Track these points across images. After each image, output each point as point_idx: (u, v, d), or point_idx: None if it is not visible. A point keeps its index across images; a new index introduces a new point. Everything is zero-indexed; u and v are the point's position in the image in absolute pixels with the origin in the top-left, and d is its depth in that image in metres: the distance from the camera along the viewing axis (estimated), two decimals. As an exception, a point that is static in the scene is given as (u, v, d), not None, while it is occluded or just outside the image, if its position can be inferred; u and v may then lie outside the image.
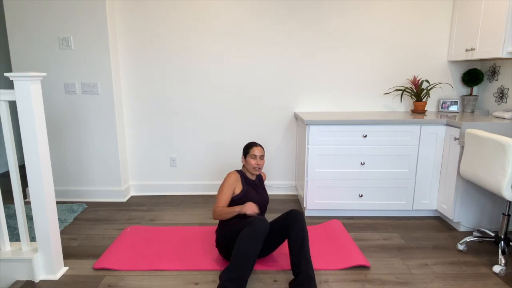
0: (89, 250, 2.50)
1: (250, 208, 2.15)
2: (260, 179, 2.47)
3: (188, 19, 3.30)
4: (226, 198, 2.24)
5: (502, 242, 2.30)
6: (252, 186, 2.36)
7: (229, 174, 2.31)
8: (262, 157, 2.35)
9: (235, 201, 2.27)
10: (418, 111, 3.25)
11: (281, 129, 3.54)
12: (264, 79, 3.43)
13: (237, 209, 2.17)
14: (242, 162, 2.41)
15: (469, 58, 2.99)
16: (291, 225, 2.11)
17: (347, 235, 2.63)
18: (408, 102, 3.48)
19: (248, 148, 2.35)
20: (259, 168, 2.34)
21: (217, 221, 2.99)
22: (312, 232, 2.73)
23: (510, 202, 2.30)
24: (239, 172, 2.36)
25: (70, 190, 3.48)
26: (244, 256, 1.92)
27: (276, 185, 3.66)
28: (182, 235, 2.70)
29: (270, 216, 3.06)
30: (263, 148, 2.38)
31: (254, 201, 2.29)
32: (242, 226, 2.11)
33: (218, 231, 2.28)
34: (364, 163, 2.94)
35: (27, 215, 3.04)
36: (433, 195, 2.98)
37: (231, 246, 2.15)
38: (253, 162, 2.32)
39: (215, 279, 2.13)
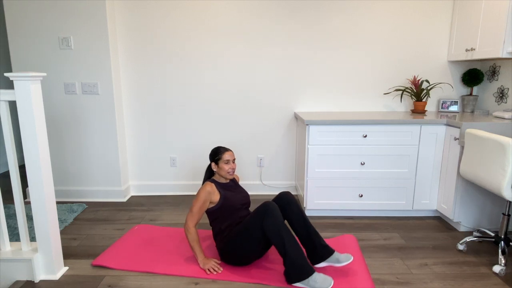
0: (89, 250, 2.50)
1: (209, 266, 2.19)
2: (233, 180, 2.45)
3: (188, 19, 3.31)
4: (199, 211, 2.21)
5: (502, 242, 2.30)
6: (229, 189, 2.33)
7: (203, 186, 2.24)
8: (234, 160, 2.33)
9: (216, 210, 2.24)
10: (418, 111, 3.25)
11: (281, 129, 3.54)
12: (264, 79, 3.43)
13: (198, 257, 2.23)
14: (214, 168, 2.33)
15: (469, 58, 2.99)
16: (288, 207, 2.18)
17: (359, 254, 2.39)
18: (408, 102, 3.48)
19: (218, 154, 2.30)
20: (233, 172, 2.31)
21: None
22: None
23: (510, 202, 2.30)
24: (212, 181, 2.31)
25: (70, 190, 3.48)
26: (288, 244, 1.99)
27: (276, 185, 3.66)
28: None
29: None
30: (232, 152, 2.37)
31: (235, 202, 2.28)
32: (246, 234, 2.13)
33: (224, 243, 2.21)
34: (364, 163, 2.94)
35: (27, 215, 3.04)
36: (433, 195, 2.98)
37: (241, 252, 2.17)
38: (227, 167, 2.28)
39: (215, 279, 2.13)
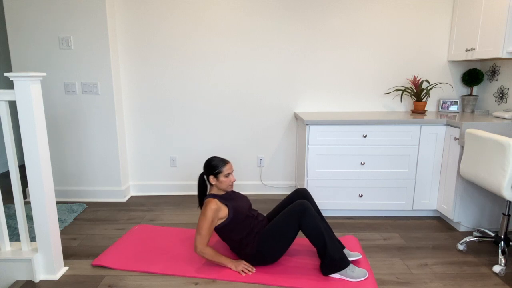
0: (89, 250, 2.50)
1: (241, 267, 2.15)
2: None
3: (188, 19, 3.30)
4: (209, 232, 2.11)
5: (502, 242, 2.30)
6: (233, 198, 2.26)
7: (208, 205, 2.12)
8: (232, 172, 2.26)
9: (227, 225, 2.16)
10: (418, 111, 3.25)
11: (281, 129, 3.54)
12: (264, 79, 3.43)
13: (228, 264, 2.17)
14: (212, 182, 2.21)
15: (469, 58, 2.99)
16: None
17: (362, 256, 2.37)
18: (408, 102, 3.48)
19: (218, 167, 2.19)
20: (232, 187, 2.25)
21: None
22: None
23: (510, 202, 2.30)
24: (213, 196, 2.19)
25: (70, 190, 3.48)
26: (328, 241, 2.05)
27: (276, 185, 3.66)
28: (187, 236, 2.69)
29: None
30: None
31: (244, 209, 2.24)
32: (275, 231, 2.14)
33: (255, 248, 2.16)
34: (364, 163, 2.94)
35: (27, 215, 3.04)
36: (433, 195, 2.98)
37: (272, 251, 2.16)
38: (228, 181, 2.20)
39: (215, 279, 2.13)
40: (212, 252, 2.16)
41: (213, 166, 2.20)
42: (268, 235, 2.14)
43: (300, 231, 2.20)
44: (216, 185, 2.23)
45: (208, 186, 2.31)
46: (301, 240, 2.59)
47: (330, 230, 2.24)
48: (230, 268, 2.18)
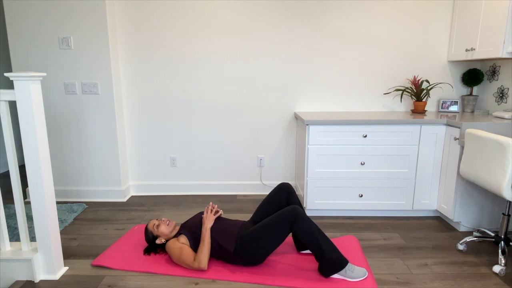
0: (89, 250, 2.50)
1: (210, 220, 2.23)
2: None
3: (188, 19, 3.30)
4: (191, 251, 2.21)
5: (502, 242, 2.30)
6: (181, 229, 2.34)
7: (170, 245, 2.25)
8: (158, 219, 2.40)
9: (195, 245, 2.26)
10: (418, 111, 3.25)
11: (281, 129, 3.54)
12: (265, 79, 3.43)
13: (207, 230, 2.20)
14: (162, 241, 2.35)
15: (469, 58, 2.99)
16: (290, 196, 2.37)
17: (362, 256, 2.37)
18: (408, 102, 3.48)
19: (149, 233, 2.36)
20: (169, 220, 2.38)
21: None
22: None
23: (510, 202, 2.30)
24: (171, 238, 2.35)
25: (70, 190, 3.48)
26: (323, 243, 2.05)
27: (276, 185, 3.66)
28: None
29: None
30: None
31: (195, 222, 2.32)
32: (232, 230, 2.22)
33: (244, 245, 2.18)
34: (364, 163, 2.94)
35: (27, 215, 3.04)
36: (433, 195, 2.98)
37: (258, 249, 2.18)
38: (163, 228, 2.34)
39: (215, 279, 2.13)
40: (199, 251, 2.18)
41: (149, 236, 2.38)
42: (258, 235, 2.15)
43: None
44: (165, 238, 2.36)
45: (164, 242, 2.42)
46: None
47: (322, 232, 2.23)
48: (210, 224, 2.24)
